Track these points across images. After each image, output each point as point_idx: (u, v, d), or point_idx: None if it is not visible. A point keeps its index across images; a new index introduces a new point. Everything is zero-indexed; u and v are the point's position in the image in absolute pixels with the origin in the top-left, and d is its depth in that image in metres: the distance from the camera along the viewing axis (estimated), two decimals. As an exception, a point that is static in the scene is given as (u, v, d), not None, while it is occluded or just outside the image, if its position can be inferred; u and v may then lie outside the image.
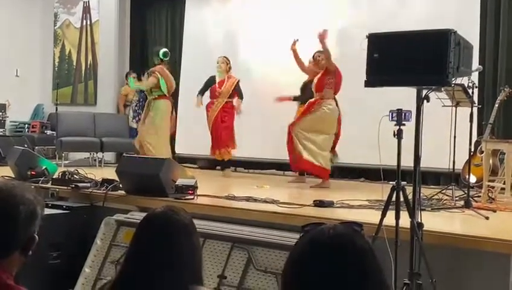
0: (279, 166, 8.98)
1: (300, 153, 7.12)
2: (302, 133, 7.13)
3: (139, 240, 1.96)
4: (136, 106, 10.31)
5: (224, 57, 8.29)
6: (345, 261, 1.28)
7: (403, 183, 3.88)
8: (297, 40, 7.63)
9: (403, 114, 3.80)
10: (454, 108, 6.22)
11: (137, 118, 10.15)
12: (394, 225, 3.79)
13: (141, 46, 11.30)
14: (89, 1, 11.38)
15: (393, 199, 3.84)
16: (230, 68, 8.30)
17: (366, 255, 1.30)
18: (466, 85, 6.01)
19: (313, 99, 7.24)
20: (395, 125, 3.81)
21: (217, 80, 8.27)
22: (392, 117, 3.81)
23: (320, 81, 7.16)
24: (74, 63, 11.66)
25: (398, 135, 3.77)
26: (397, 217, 3.75)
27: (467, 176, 5.99)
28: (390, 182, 3.97)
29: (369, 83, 4.07)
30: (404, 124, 3.80)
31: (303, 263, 1.31)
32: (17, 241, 1.83)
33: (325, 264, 1.28)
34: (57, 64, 11.92)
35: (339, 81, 7.17)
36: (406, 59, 3.76)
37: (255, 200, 5.63)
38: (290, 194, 6.48)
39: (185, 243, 1.94)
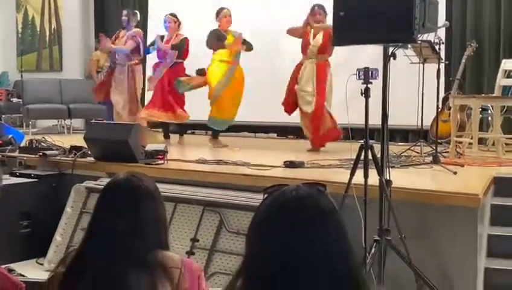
0: (251, 128, 8.99)
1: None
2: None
3: (102, 207, 1.94)
4: (107, 71, 10.09)
5: (171, 14, 7.99)
6: (309, 222, 1.27)
7: (372, 141, 3.90)
8: None
9: (370, 72, 3.79)
10: (421, 65, 6.24)
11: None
12: (363, 183, 3.81)
13: (106, 10, 11.06)
14: (50, -36, 11.09)
15: (362, 157, 3.86)
16: (179, 26, 7.94)
17: (330, 215, 1.30)
18: (433, 41, 6.02)
19: (321, 63, 6.82)
20: (362, 83, 3.81)
21: (165, 38, 8.00)
22: (359, 76, 3.80)
23: (326, 43, 6.73)
24: (38, 29, 11.39)
25: (366, 93, 3.77)
26: (366, 175, 3.78)
27: (435, 132, 6.04)
28: (359, 141, 4.00)
29: (336, 42, 4.06)
30: (371, 83, 3.80)
31: (266, 225, 1.31)
32: None
33: (288, 226, 1.27)
34: (20, 30, 11.64)
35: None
36: (372, 17, 3.74)
37: (226, 163, 5.62)
38: (261, 156, 6.48)
39: (149, 208, 1.92)
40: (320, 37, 6.81)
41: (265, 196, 1.36)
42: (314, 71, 6.77)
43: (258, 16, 8.55)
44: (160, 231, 1.93)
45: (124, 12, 8.33)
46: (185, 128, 8.25)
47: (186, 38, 7.89)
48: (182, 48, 7.85)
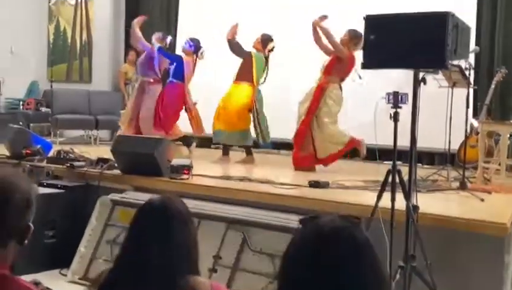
0: (275, 145, 8.96)
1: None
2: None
3: (136, 229, 1.95)
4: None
5: (190, 39, 8.06)
6: (344, 255, 1.28)
7: (398, 162, 3.87)
8: (326, 16, 6.86)
9: (400, 97, 3.78)
10: (450, 89, 6.21)
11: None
12: (390, 206, 3.79)
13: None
14: (83, -23, 11.27)
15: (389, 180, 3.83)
16: (196, 51, 7.97)
17: (365, 249, 1.30)
18: (463, 67, 5.99)
19: (321, 83, 6.79)
20: (392, 108, 3.79)
21: None
22: (388, 100, 3.79)
23: (331, 64, 6.77)
24: (69, 40, 11.56)
25: (395, 118, 3.75)
26: (393, 200, 3.75)
27: (463, 158, 5.99)
28: (385, 162, 3.97)
29: (365, 65, 4.05)
30: (400, 107, 3.79)
31: (301, 257, 1.31)
32: (12, 231, 1.82)
33: (324, 259, 1.27)
34: (51, 41, 11.81)
35: (349, 69, 6.74)
36: (403, 41, 3.74)
37: (250, 180, 5.63)
38: (285, 173, 6.48)
39: (182, 232, 1.93)
40: (327, 60, 6.85)
41: (300, 227, 1.36)
42: (313, 89, 6.82)
43: (280, 37, 8.53)
44: (192, 256, 1.94)
45: (156, 33, 8.40)
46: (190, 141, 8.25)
47: (179, 55, 8.00)
48: (176, 66, 7.89)
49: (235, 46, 7.65)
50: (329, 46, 6.85)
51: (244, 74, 7.48)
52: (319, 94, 6.74)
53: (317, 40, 6.91)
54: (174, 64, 7.94)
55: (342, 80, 6.81)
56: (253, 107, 7.41)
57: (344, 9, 8.45)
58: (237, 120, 7.43)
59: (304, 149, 6.82)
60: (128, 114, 8.18)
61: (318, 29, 6.86)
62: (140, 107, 8.03)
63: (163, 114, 7.82)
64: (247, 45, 7.73)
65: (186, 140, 8.10)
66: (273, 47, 7.62)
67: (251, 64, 7.48)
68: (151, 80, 8.08)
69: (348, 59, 6.68)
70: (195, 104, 8.05)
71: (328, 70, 6.79)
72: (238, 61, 7.72)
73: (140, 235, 1.92)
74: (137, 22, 8.38)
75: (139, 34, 8.33)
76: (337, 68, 6.76)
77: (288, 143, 8.51)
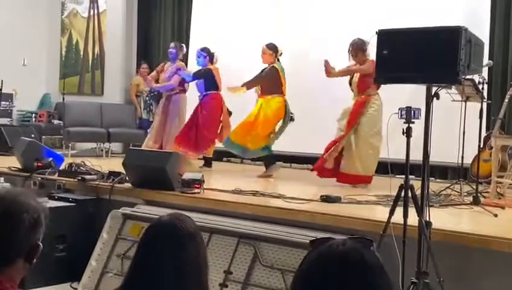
0: (287, 159, 8.95)
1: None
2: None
3: (146, 249, 1.92)
4: (147, 96, 10.22)
5: (201, 49, 8.07)
6: (355, 279, 1.25)
7: (410, 176, 3.83)
8: (327, 60, 6.85)
9: (412, 112, 3.75)
10: (463, 103, 6.17)
11: (148, 109, 10.10)
12: (402, 222, 3.75)
13: (148, 37, 11.25)
14: (96, -9, 11.35)
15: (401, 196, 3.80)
16: (211, 60, 8.00)
17: (376, 272, 1.28)
18: (476, 81, 5.96)
19: (360, 99, 6.74)
20: (404, 123, 3.76)
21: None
22: (401, 115, 3.76)
23: (362, 81, 6.70)
24: (81, 53, 11.63)
25: (407, 133, 3.72)
26: (405, 216, 3.71)
27: (476, 172, 5.93)
28: (398, 176, 3.93)
29: (377, 80, 4.03)
30: (413, 122, 3.76)
31: (312, 281, 1.29)
32: (21, 250, 1.81)
33: (334, 282, 1.25)
34: (64, 53, 11.89)
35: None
36: (416, 56, 3.71)
37: (262, 194, 5.60)
38: (296, 188, 6.44)
39: (193, 251, 1.90)
40: (356, 78, 6.78)
41: (310, 249, 1.34)
42: (351, 107, 6.76)
43: (301, 51, 8.56)
44: (201, 275, 1.91)
45: (172, 44, 8.42)
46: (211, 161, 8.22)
47: (208, 69, 7.93)
48: (206, 79, 7.88)
49: (253, 85, 7.59)
50: (345, 69, 6.81)
51: (273, 87, 7.45)
52: (359, 107, 6.67)
53: (331, 74, 6.87)
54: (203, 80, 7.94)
55: (378, 87, 6.65)
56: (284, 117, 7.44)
57: (342, 8, 8.50)
58: (264, 135, 7.43)
59: (328, 160, 6.75)
60: (154, 130, 8.18)
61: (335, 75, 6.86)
62: (166, 120, 8.05)
63: (205, 129, 7.73)
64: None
65: (207, 158, 8.08)
66: (282, 52, 7.61)
67: (279, 77, 7.46)
68: (177, 90, 8.12)
69: (373, 69, 6.60)
70: (230, 113, 7.98)
71: (362, 88, 6.70)
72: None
73: (150, 254, 1.89)
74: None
75: (155, 84, 8.43)
76: (370, 81, 6.64)
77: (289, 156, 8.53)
